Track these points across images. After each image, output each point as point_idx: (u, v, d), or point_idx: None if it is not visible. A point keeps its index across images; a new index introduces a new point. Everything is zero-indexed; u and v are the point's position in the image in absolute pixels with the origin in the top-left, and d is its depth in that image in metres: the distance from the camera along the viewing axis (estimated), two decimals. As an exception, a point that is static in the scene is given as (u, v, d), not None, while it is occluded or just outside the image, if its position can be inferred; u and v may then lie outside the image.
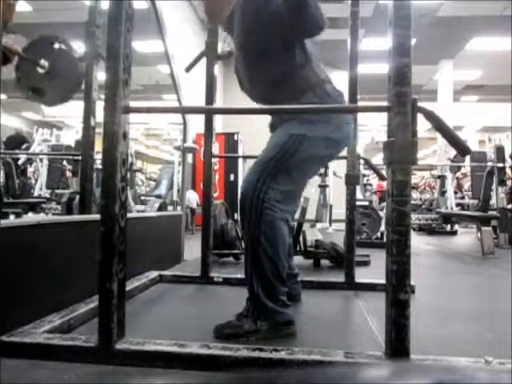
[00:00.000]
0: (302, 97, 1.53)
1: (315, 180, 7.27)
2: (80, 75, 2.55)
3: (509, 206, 4.79)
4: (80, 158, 2.69)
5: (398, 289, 1.12)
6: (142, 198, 6.91)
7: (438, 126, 1.22)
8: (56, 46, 2.62)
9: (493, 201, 5.30)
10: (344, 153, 2.23)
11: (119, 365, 1.17)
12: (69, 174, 6.14)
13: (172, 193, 6.83)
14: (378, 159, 12.97)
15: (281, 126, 1.58)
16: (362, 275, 2.34)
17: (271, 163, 1.47)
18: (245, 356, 1.18)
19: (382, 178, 3.05)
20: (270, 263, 1.44)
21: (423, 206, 7.25)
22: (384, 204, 6.15)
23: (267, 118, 1.81)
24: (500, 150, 4.90)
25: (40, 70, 2.54)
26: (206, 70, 2.39)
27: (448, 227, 6.60)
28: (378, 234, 4.73)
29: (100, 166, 1.62)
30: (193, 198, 6.21)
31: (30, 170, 6.79)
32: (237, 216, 6.63)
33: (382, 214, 4.72)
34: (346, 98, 2.28)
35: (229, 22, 1.70)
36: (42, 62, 2.53)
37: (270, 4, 1.53)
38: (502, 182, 4.81)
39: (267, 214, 1.43)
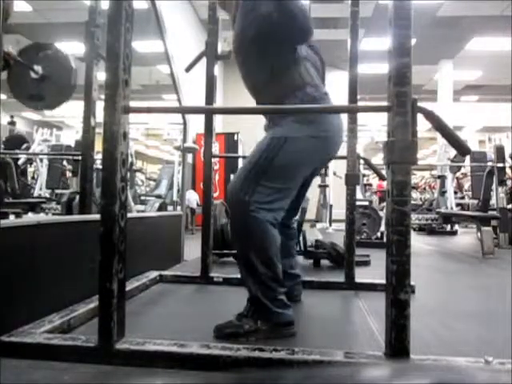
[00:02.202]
0: (284, 99, 1.56)
1: (315, 180, 7.27)
2: (74, 79, 2.57)
3: (509, 206, 4.79)
4: (80, 157, 2.69)
5: (398, 289, 1.12)
6: (142, 198, 6.92)
7: (438, 126, 1.22)
8: (48, 52, 2.64)
9: (493, 201, 5.30)
10: (344, 153, 2.24)
11: (119, 365, 1.17)
12: (69, 174, 6.14)
13: (172, 193, 6.83)
14: (377, 159, 12.97)
15: (270, 129, 1.61)
16: (361, 275, 2.34)
17: (255, 167, 1.50)
18: (245, 356, 1.18)
19: (382, 177, 3.05)
20: (262, 266, 1.44)
21: (423, 206, 7.26)
22: (384, 204, 6.15)
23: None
24: (500, 150, 4.90)
25: (33, 76, 2.56)
26: (205, 70, 2.39)
27: (448, 227, 6.60)
28: (378, 234, 4.73)
29: (100, 166, 1.62)
30: (193, 198, 6.22)
31: (30, 170, 6.79)
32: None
33: (382, 213, 4.72)
34: (346, 97, 2.30)
35: (234, 18, 1.73)
36: (36, 67, 2.55)
37: (261, 6, 1.54)
38: (501, 182, 4.81)
39: (254, 217, 1.44)
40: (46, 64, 2.61)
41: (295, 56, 1.60)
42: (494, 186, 4.96)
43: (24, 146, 5.71)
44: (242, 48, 1.66)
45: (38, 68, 2.57)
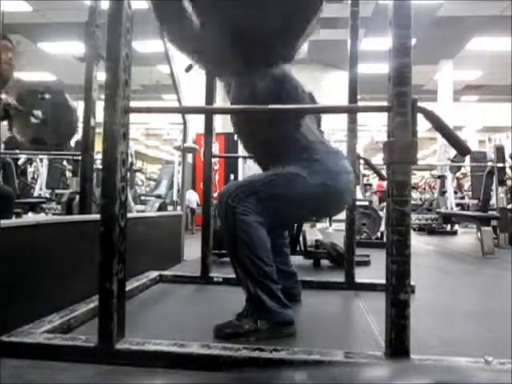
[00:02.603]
0: (291, 159, 1.58)
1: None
2: (74, 119, 2.59)
3: (509, 206, 4.79)
4: (80, 157, 2.69)
5: (398, 289, 1.12)
6: (142, 198, 6.92)
7: (438, 126, 1.22)
8: (47, 95, 2.67)
9: (493, 201, 5.30)
10: (344, 153, 2.23)
11: (119, 365, 1.17)
12: (69, 173, 6.13)
13: (172, 193, 6.83)
14: (378, 159, 12.96)
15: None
16: (361, 275, 2.34)
17: (256, 183, 1.52)
18: (245, 356, 1.18)
19: (382, 177, 3.05)
20: (254, 266, 1.45)
21: (423, 206, 7.26)
22: (384, 204, 6.15)
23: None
24: (500, 150, 4.90)
25: (34, 121, 2.59)
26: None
27: (448, 227, 6.60)
28: (378, 234, 4.74)
29: (100, 166, 1.62)
30: (193, 198, 6.22)
31: (30, 170, 6.78)
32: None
33: (382, 213, 4.72)
34: (346, 97, 2.30)
35: (228, 87, 1.79)
36: (36, 112, 2.58)
37: (262, 92, 1.57)
38: (501, 182, 4.81)
39: (240, 219, 1.45)
40: (46, 107, 2.65)
41: (294, 120, 1.62)
42: (494, 186, 4.96)
43: (24, 146, 5.71)
44: (241, 123, 1.71)
45: (38, 113, 2.61)
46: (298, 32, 1.50)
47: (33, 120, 2.60)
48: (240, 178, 7.13)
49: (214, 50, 1.59)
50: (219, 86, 2.17)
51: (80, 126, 2.72)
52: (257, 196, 1.48)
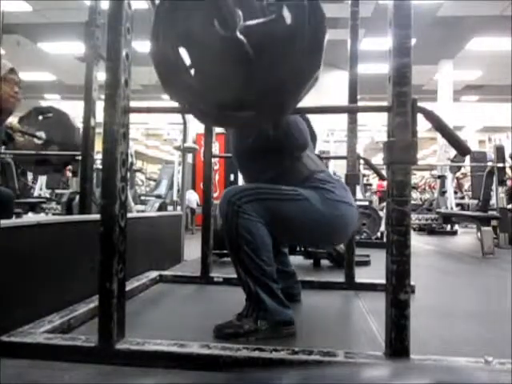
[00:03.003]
0: (303, 182, 1.59)
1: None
2: (77, 138, 2.60)
3: (509, 206, 4.79)
4: (80, 157, 2.69)
5: (398, 289, 1.12)
6: (142, 198, 6.92)
7: (438, 126, 1.22)
8: (49, 115, 2.67)
9: (493, 201, 5.30)
10: (344, 153, 2.24)
11: (119, 365, 1.17)
12: (69, 173, 6.13)
13: (172, 193, 6.83)
14: (377, 159, 12.97)
15: None
16: (361, 275, 2.34)
17: (264, 189, 1.52)
18: (245, 356, 1.18)
19: (382, 177, 3.05)
20: (255, 264, 1.45)
21: (423, 206, 7.26)
22: (384, 204, 6.15)
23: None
24: (500, 150, 4.90)
25: (38, 142, 2.60)
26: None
27: (448, 227, 6.61)
28: (378, 234, 4.74)
29: (100, 166, 1.62)
30: (193, 198, 6.21)
31: (30, 170, 6.78)
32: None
33: (382, 213, 4.72)
34: (346, 98, 2.30)
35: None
36: (38, 133, 2.59)
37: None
38: (502, 182, 4.81)
39: (242, 217, 1.45)
40: (49, 128, 2.65)
41: (296, 156, 1.63)
42: (494, 186, 4.96)
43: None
44: (243, 157, 1.72)
45: (41, 134, 2.61)
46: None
47: (36, 141, 2.61)
48: (240, 178, 7.12)
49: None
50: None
51: (80, 121, 2.73)
52: (261, 203, 1.48)
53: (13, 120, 2.40)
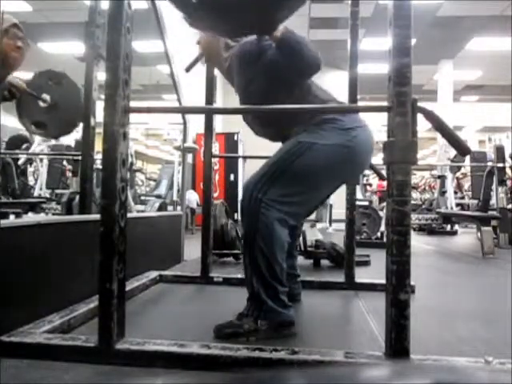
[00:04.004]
0: (311, 117, 1.54)
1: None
2: (81, 107, 2.57)
3: (509, 206, 4.79)
4: (80, 157, 2.69)
5: (398, 289, 1.12)
6: (142, 198, 6.91)
7: (438, 125, 1.22)
8: (60, 81, 2.65)
9: (493, 201, 5.30)
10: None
11: (119, 365, 1.17)
12: (69, 173, 6.13)
13: (172, 193, 6.83)
14: (378, 159, 12.95)
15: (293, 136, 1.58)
16: (361, 275, 2.34)
17: (274, 166, 1.48)
18: (245, 356, 1.18)
19: (382, 177, 3.05)
20: (266, 263, 1.44)
21: (423, 206, 7.26)
22: (384, 204, 6.15)
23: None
24: (500, 150, 4.90)
25: (42, 104, 2.57)
26: (205, 70, 2.39)
27: (448, 227, 6.60)
28: (378, 234, 4.73)
29: (100, 166, 1.62)
30: (193, 198, 6.21)
31: (30, 169, 6.79)
32: (237, 216, 6.63)
33: (382, 213, 4.72)
34: (346, 97, 2.30)
35: (228, 71, 1.73)
36: (44, 96, 2.56)
37: (263, 55, 1.54)
38: (501, 182, 4.81)
39: (263, 213, 1.43)
40: (56, 93, 2.63)
41: (304, 85, 1.58)
42: (494, 186, 4.96)
43: (24, 146, 5.71)
44: (252, 99, 1.62)
45: (47, 97, 2.59)
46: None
47: (41, 104, 2.57)
48: (240, 178, 7.12)
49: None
50: (219, 86, 2.17)
51: (80, 125, 2.72)
52: (281, 181, 1.45)
53: (18, 79, 2.37)
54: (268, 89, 1.55)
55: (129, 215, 1.29)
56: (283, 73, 1.50)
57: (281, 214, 1.45)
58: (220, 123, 8.73)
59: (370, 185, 8.69)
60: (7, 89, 2.25)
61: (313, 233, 3.41)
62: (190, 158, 5.90)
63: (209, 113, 2.40)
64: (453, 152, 6.16)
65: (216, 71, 2.48)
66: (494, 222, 4.36)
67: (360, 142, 1.53)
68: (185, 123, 3.28)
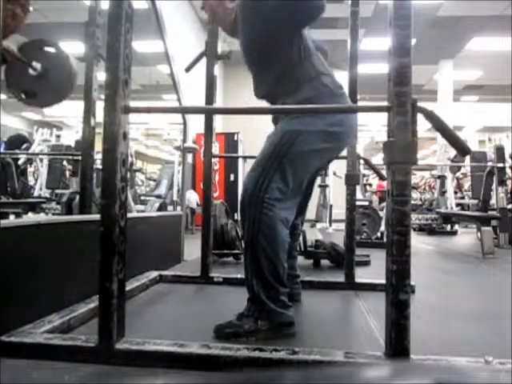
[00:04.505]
0: (299, 90, 1.55)
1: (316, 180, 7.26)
2: (72, 76, 2.53)
3: (509, 206, 4.79)
4: (80, 157, 2.69)
5: (398, 289, 1.12)
6: (142, 198, 6.91)
7: (438, 125, 1.22)
8: (47, 48, 2.60)
9: (493, 201, 5.30)
10: (344, 153, 2.24)
11: (119, 365, 1.17)
12: (69, 173, 6.13)
13: (172, 193, 6.82)
14: (378, 159, 12.97)
15: (280, 121, 1.60)
16: (361, 275, 2.34)
17: (268, 162, 1.49)
18: (245, 356, 1.18)
19: (382, 177, 3.05)
20: (269, 263, 1.44)
21: (423, 206, 7.25)
22: (384, 204, 6.14)
23: (267, 118, 1.81)
24: (500, 150, 4.90)
25: (32, 72, 2.53)
26: (205, 70, 2.39)
27: (448, 227, 6.60)
28: (378, 234, 4.73)
29: (100, 166, 1.62)
30: (193, 198, 6.21)
31: (30, 170, 6.79)
32: (237, 216, 6.63)
33: (382, 213, 4.72)
34: (346, 97, 2.30)
35: (234, 24, 1.73)
36: (34, 64, 2.52)
37: (262, 3, 1.54)
38: (501, 182, 4.81)
39: (266, 214, 1.43)
40: (46, 62, 2.58)
41: (304, 47, 1.59)
42: (494, 186, 4.96)
43: (24, 146, 5.72)
44: (254, 49, 1.64)
45: (37, 65, 2.54)
46: None
47: (31, 72, 2.53)
48: (240, 178, 7.12)
49: None
50: (219, 86, 2.17)
51: (80, 121, 2.70)
52: (277, 174, 1.46)
53: (10, 43, 2.33)
54: (267, 42, 1.57)
55: (129, 215, 1.29)
56: (284, 16, 1.51)
57: (282, 211, 1.46)
58: (220, 123, 8.73)
59: (370, 185, 8.69)
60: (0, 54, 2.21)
61: (313, 233, 3.41)
62: (190, 158, 5.90)
63: (209, 113, 2.40)
64: (453, 152, 6.16)
65: (216, 71, 2.48)
66: (493, 222, 4.36)
67: (344, 126, 1.56)
68: (185, 123, 3.28)
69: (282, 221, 1.46)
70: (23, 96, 2.62)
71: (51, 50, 2.60)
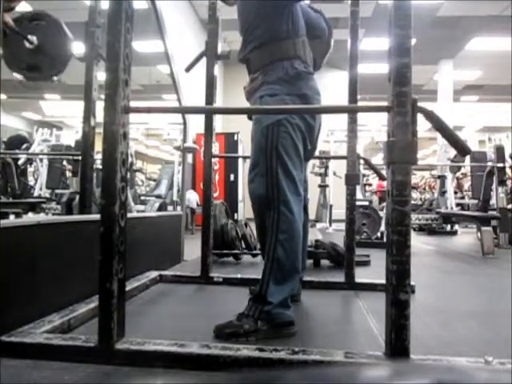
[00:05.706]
0: (271, 65, 1.61)
1: (315, 180, 7.26)
2: (68, 41, 2.49)
3: (509, 206, 4.79)
4: (80, 157, 2.68)
5: (398, 289, 1.12)
6: (142, 198, 6.91)
7: (438, 125, 1.22)
8: (43, 21, 2.56)
9: (493, 201, 5.30)
10: (344, 153, 2.24)
11: (119, 365, 1.17)
12: (69, 173, 6.14)
13: (172, 193, 6.83)
14: (378, 159, 12.97)
15: (252, 98, 1.67)
16: (361, 275, 2.34)
17: (267, 163, 1.55)
18: (245, 356, 1.18)
19: (382, 177, 3.05)
20: (287, 257, 1.50)
21: (423, 206, 7.25)
22: (384, 204, 6.15)
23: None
24: (500, 150, 4.90)
25: (29, 46, 2.48)
26: (205, 70, 2.39)
27: (448, 227, 6.60)
28: (378, 234, 4.73)
29: (100, 166, 1.62)
30: (193, 198, 6.21)
31: (30, 170, 6.79)
32: (237, 216, 6.63)
33: (382, 213, 4.72)
34: (346, 97, 2.30)
35: None
36: (30, 37, 2.48)
37: None
38: (501, 182, 4.81)
39: (283, 213, 1.50)
40: (41, 34, 2.54)
41: (295, 24, 1.63)
42: (494, 186, 4.96)
43: (24, 146, 5.72)
44: (249, 12, 1.69)
45: (33, 38, 2.51)
46: None
47: (27, 45, 2.49)
48: (240, 178, 7.12)
49: None
50: (219, 86, 2.17)
51: (80, 121, 2.69)
52: (280, 164, 1.53)
53: (7, 16, 2.30)
54: (260, 5, 1.63)
55: (129, 215, 1.29)
56: None
57: (295, 206, 1.53)
58: (220, 123, 8.73)
59: (370, 185, 8.70)
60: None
61: (313, 233, 3.41)
62: (190, 158, 5.90)
63: (209, 113, 2.40)
64: (453, 152, 6.16)
65: (216, 71, 2.48)
66: (493, 222, 4.36)
67: (309, 90, 1.63)
68: (185, 123, 3.28)
69: (300, 213, 1.53)
70: (26, 72, 2.58)
71: (44, 21, 2.56)
